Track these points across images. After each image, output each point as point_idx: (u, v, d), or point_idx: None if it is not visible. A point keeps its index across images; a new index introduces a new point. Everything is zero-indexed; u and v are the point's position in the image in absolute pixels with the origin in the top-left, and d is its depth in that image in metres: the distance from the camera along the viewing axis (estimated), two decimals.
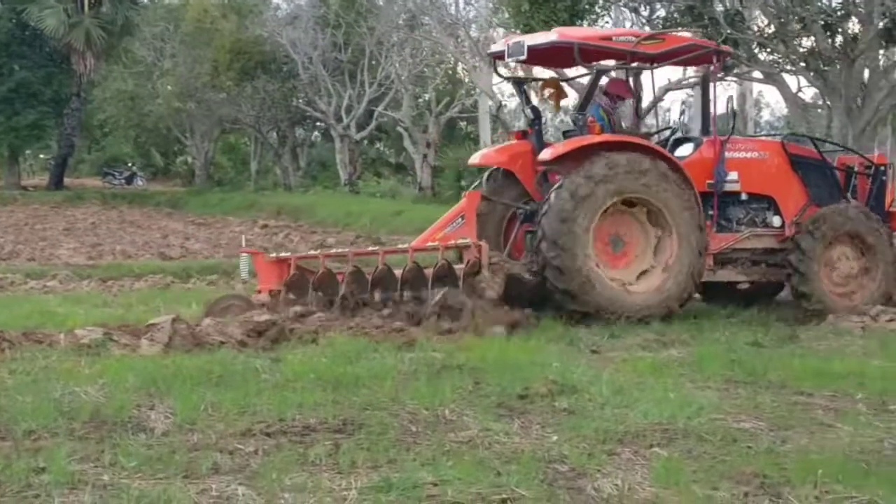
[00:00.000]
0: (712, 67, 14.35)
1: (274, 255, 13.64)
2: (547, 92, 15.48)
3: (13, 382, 8.84)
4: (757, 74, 26.13)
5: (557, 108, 16.66)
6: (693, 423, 7.69)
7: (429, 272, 12.60)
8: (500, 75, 16.87)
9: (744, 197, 14.29)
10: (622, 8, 28.49)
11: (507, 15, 28.65)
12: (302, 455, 6.80)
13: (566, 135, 14.64)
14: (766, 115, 58.86)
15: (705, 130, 14.33)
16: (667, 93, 33.39)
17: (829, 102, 22.94)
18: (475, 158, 14.92)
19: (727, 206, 14.26)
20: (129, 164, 69.66)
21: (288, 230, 32.43)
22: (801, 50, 22.79)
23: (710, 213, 13.93)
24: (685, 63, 15.41)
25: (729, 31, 21.61)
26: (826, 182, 14.68)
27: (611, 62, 14.62)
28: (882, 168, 15.02)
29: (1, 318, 12.75)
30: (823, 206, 14.29)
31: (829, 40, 22.00)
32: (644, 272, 13.45)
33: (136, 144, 68.83)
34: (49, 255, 24.05)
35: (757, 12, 23.70)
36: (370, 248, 13.97)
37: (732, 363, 10.23)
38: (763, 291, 15.02)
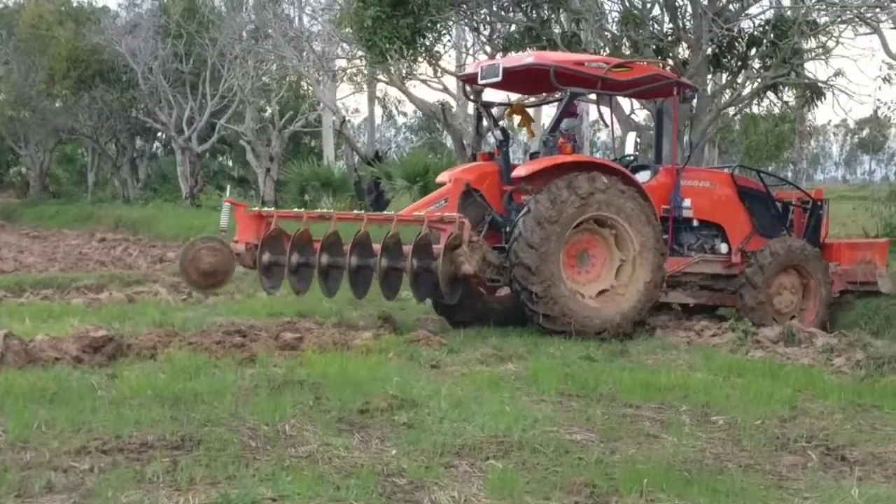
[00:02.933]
0: (675, 99, 15.33)
1: (256, 208, 13.93)
2: (516, 119, 16.39)
3: None
4: (592, 96, 26.81)
5: (531, 132, 17.81)
6: (528, 436, 8.03)
7: (407, 249, 13.26)
8: (468, 98, 17.68)
9: (695, 224, 15.41)
10: (463, 27, 29.16)
11: (349, 30, 28.92)
12: (139, 472, 6.81)
13: (533, 157, 15.40)
14: (602, 136, 59.96)
15: (658, 159, 15.35)
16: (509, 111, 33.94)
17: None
18: (443, 176, 15.21)
19: (680, 232, 15.36)
20: None
21: (126, 243, 32.02)
22: None
23: (665, 237, 14.80)
24: (648, 93, 15.97)
25: None
26: (769, 213, 15.88)
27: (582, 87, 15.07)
28: (819, 203, 16.24)
29: None
30: (766, 236, 15.55)
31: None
32: (603, 291, 14.19)
33: None
34: None
35: (593, 36, 24.57)
36: (354, 213, 14.54)
37: (566, 377, 10.69)
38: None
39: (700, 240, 15.46)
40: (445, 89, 33.08)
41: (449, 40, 31.74)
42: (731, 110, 25.51)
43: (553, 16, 24.77)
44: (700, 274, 15.36)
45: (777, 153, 51.69)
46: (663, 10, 23.75)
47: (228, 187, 15.44)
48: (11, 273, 22.16)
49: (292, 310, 15.14)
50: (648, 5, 23.81)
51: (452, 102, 33.63)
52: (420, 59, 27.63)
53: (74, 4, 54.32)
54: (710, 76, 24.73)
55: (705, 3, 22.56)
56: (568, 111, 14.99)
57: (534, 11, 24.38)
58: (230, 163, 64.84)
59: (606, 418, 8.91)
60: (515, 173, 14.43)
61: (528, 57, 15.10)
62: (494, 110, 17.09)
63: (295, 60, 38.18)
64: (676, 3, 23.42)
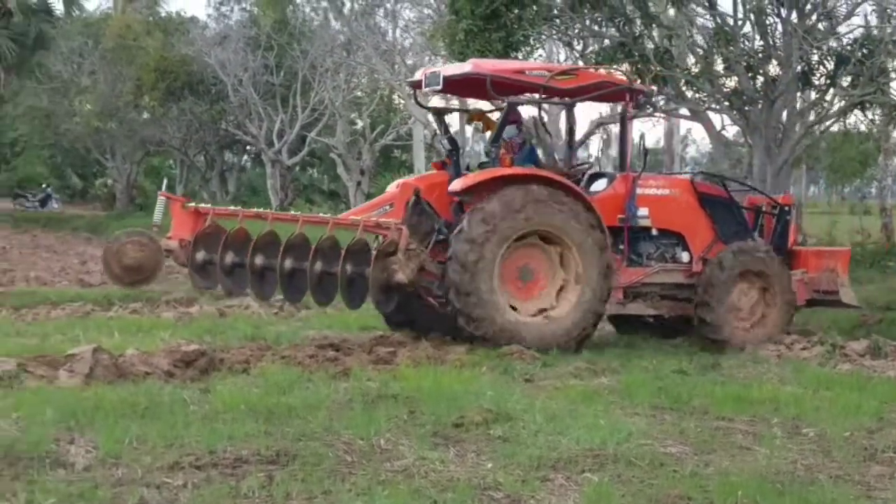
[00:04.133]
0: (627, 105, 14.97)
1: (193, 204, 13.56)
2: (475, 125, 16.21)
3: None
4: (684, 111, 27.90)
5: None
6: (622, 449, 8.13)
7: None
8: (420, 105, 17.63)
9: (654, 232, 15.10)
10: (556, 42, 29.43)
11: (442, 44, 29.19)
12: (233, 488, 6.86)
13: (482, 166, 15.08)
14: (691, 152, 59.77)
15: (622, 167, 15.13)
16: (598, 126, 34.09)
17: (750, 141, 24.78)
18: (392, 187, 15.07)
19: (638, 241, 15.04)
20: (44, 186, 68.94)
21: None
22: (726, 89, 24.44)
23: (621, 247, 14.67)
24: (598, 99, 15.89)
25: (658, 69, 23.10)
26: (733, 220, 15.55)
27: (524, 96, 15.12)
28: (787, 208, 16.02)
29: None
30: (730, 243, 15.16)
31: (751, 81, 23.63)
32: (543, 309, 13.95)
33: (51, 165, 68.30)
34: None
35: (685, 51, 25.36)
36: (290, 214, 14.26)
37: (659, 390, 10.86)
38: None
39: (660, 249, 15.17)
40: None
41: (541, 55, 31.90)
42: (819, 128, 25.69)
43: (645, 31, 25.01)
44: (661, 284, 15.04)
45: (861, 170, 51.05)
46: (754, 27, 24.12)
47: (165, 180, 15.10)
48: (99, 287, 22.42)
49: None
50: (740, 22, 24.14)
51: (545, 116, 33.61)
52: None
53: (163, 15, 55.12)
54: (799, 94, 25.02)
55: (795, 21, 23.00)
56: (510, 120, 14.68)
57: (626, 27, 24.66)
58: (320, 176, 65.30)
59: (700, 431, 9.08)
60: (451, 188, 14.21)
61: (466, 65, 14.86)
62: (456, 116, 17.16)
63: (387, 73, 38.41)
64: (767, 21, 23.78)
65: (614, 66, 23.51)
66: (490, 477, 7.31)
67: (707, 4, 24.31)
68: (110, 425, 8.35)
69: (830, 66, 23.51)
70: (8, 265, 28.53)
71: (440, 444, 8.28)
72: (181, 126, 50.09)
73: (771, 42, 23.82)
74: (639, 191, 14.74)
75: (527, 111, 16.20)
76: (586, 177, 15.21)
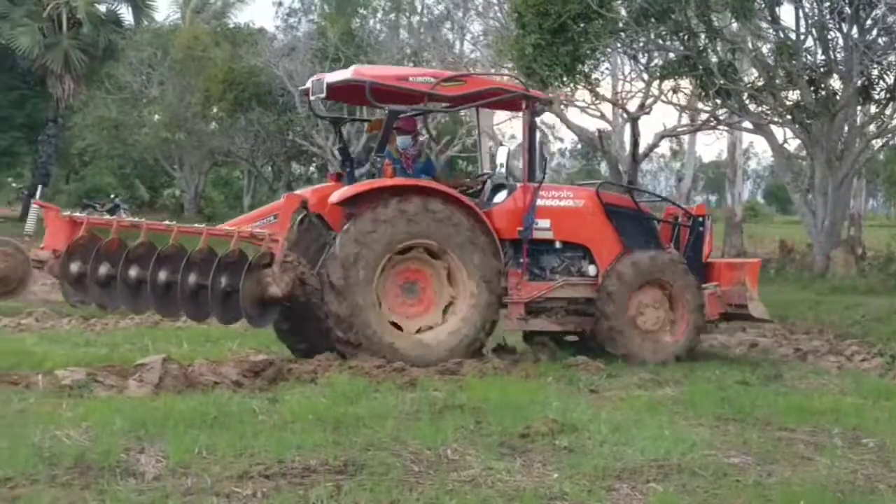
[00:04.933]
0: (525, 112, 14.38)
1: (68, 213, 12.77)
2: (373, 134, 15.32)
3: None
4: (747, 125, 28.19)
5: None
6: (687, 459, 8.19)
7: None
8: (315, 115, 17.10)
9: (557, 245, 14.56)
10: (621, 55, 29.62)
11: (510, 59, 29.36)
12: (302, 497, 6.92)
13: (372, 178, 14.24)
14: (753, 164, 59.54)
15: (531, 176, 14.34)
16: (662, 139, 34.04)
17: (811, 154, 25.04)
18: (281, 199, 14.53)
19: (540, 255, 14.50)
20: (112, 196, 69.45)
21: None
22: (788, 103, 24.79)
23: (522, 260, 14.14)
24: (491, 106, 15.63)
25: (722, 82, 23.51)
26: (641, 232, 15.00)
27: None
28: (700, 219, 15.43)
29: None
30: None
31: (813, 95, 23.91)
32: (429, 327, 13.57)
33: (120, 175, 68.89)
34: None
35: (748, 65, 25.85)
36: (164, 223, 13.49)
37: (722, 401, 10.91)
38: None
39: (564, 262, 14.58)
40: (602, 116, 33.20)
41: (607, 68, 31.99)
42: (878, 142, 26.24)
43: (709, 45, 25.11)
44: (566, 299, 14.44)
45: None
46: (816, 42, 24.43)
47: (39, 188, 14.30)
48: None
49: None
50: (802, 37, 24.39)
51: (610, 129, 33.70)
52: (579, 86, 28.01)
53: (231, 26, 55.52)
54: (859, 107, 25.28)
55: (856, 36, 23.24)
56: (402, 129, 14.28)
57: (690, 41, 24.78)
58: None
59: (762, 441, 9.14)
60: (331, 198, 13.72)
61: (348, 71, 14.33)
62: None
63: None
64: (829, 36, 24.13)
65: (677, 78, 23.77)
66: (556, 487, 7.37)
67: (770, 19, 24.60)
68: (180, 435, 8.44)
69: (890, 80, 23.90)
70: None
71: (506, 454, 8.33)
72: (248, 137, 50.38)
73: (832, 56, 24.15)
74: (539, 202, 14.20)
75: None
76: (489, 188, 14.71)
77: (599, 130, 32.68)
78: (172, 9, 59.79)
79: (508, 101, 14.89)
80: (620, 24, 25.37)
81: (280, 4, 53.90)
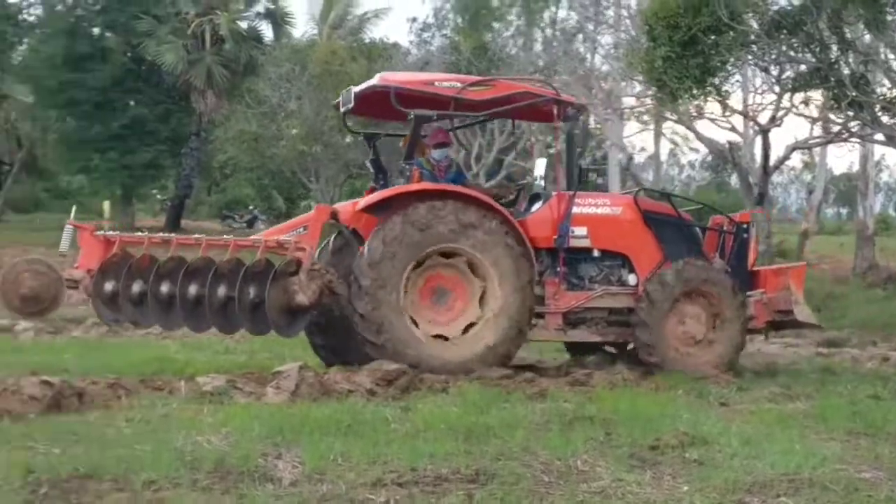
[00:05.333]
0: (555, 119, 14.09)
1: (101, 232, 12.79)
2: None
3: (131, 431, 9.14)
4: (879, 137, 27.34)
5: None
6: (818, 473, 8.00)
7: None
8: (348, 129, 17.03)
9: (596, 254, 14.21)
10: (752, 67, 29.35)
11: (639, 71, 29.27)
12: None
13: None
14: (884, 177, 58.30)
15: (569, 185, 14.09)
16: (794, 151, 33.59)
17: None
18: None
19: (578, 263, 14.17)
20: (251, 207, 70.60)
21: None
22: None
23: (559, 269, 13.85)
24: (520, 113, 15.28)
25: (854, 94, 22.87)
26: (683, 239, 14.59)
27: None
28: (745, 226, 14.96)
29: (117, 365, 13.15)
30: None
31: None
32: (471, 325, 13.34)
33: (258, 187, 69.79)
34: None
35: (881, 77, 25.15)
36: (194, 237, 13.30)
37: (854, 415, 10.65)
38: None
39: (603, 271, 14.21)
40: (733, 128, 32.87)
41: (738, 80, 31.71)
42: None
43: (841, 57, 24.76)
44: (606, 309, 14.09)
45: None
46: None
47: (74, 208, 14.34)
48: None
49: None
50: None
51: (741, 141, 33.39)
52: (709, 98, 27.81)
53: (366, 41, 55.96)
54: None
55: None
56: (440, 142, 14.12)
57: (822, 53, 24.47)
58: None
59: (894, 456, 8.88)
60: (358, 205, 13.75)
61: (374, 79, 14.07)
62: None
63: (583, 98, 38.45)
64: None
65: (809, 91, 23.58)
66: (686, 500, 7.32)
67: None
68: (315, 441, 8.55)
69: None
70: None
71: (636, 466, 8.28)
72: (383, 149, 50.76)
73: None
74: (575, 210, 13.91)
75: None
76: (528, 197, 14.55)
77: (730, 142, 32.43)
78: (310, 25, 60.54)
79: (539, 108, 14.43)
80: (751, 37, 25.12)
81: (414, 20, 54.41)
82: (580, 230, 13.97)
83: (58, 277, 12.20)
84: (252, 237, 13.46)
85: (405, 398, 11.10)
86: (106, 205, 12.83)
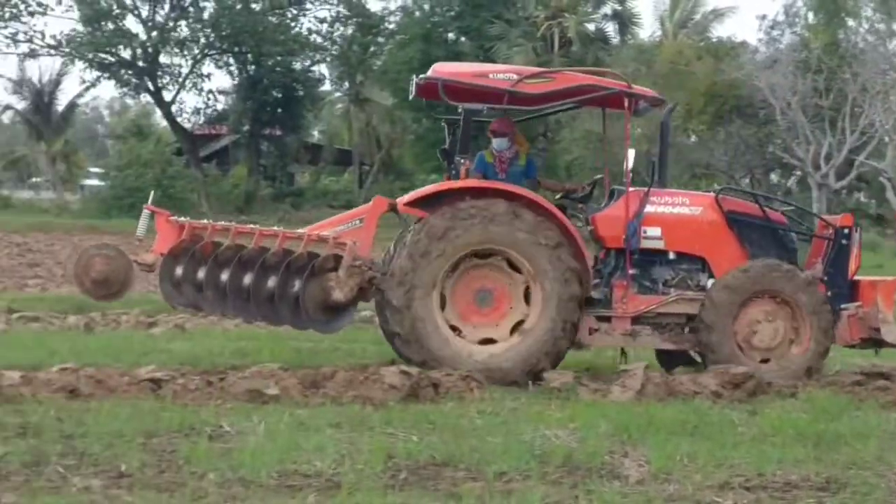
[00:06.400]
0: (627, 111, 12.95)
1: (176, 218, 12.60)
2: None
3: (482, 423, 9.38)
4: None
5: (524, 149, 14.21)
6: None
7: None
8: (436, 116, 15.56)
9: (671, 256, 13.01)
10: None
11: None
12: None
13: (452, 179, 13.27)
14: None
15: (661, 180, 13.23)
16: None
17: None
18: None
19: (651, 266, 13.00)
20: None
21: None
22: None
23: (631, 272, 12.75)
24: (586, 105, 14.42)
25: None
26: (772, 242, 13.17)
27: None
28: (845, 231, 13.23)
29: None
30: None
31: None
32: (493, 339, 12.35)
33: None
34: None
35: None
36: (249, 226, 12.80)
37: None
38: None
39: (679, 274, 12.94)
40: None
41: None
42: None
43: None
44: (681, 314, 12.78)
45: None
46: None
47: (152, 193, 13.70)
48: None
49: None
50: None
51: None
52: None
53: (713, 40, 55.31)
54: None
55: None
56: (496, 131, 13.18)
57: None
58: (867, 200, 63.21)
59: None
60: (399, 201, 12.91)
61: (431, 70, 13.17)
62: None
63: None
64: None
65: None
66: None
67: None
68: (661, 441, 8.55)
69: None
70: None
71: None
72: (728, 149, 50.01)
73: None
74: (649, 209, 12.82)
75: None
76: (610, 194, 13.52)
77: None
78: (655, 25, 60.38)
79: (608, 100, 13.44)
80: None
81: (764, 17, 53.30)
82: (653, 230, 12.91)
83: (127, 262, 12.22)
84: (299, 230, 13.04)
85: (752, 402, 10.87)
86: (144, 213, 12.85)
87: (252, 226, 12.75)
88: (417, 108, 54.09)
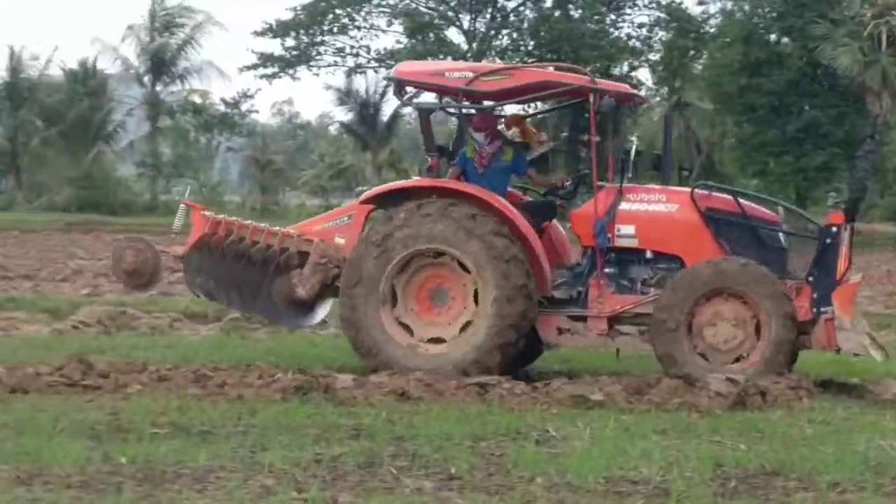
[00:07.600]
0: (592, 106, 12.33)
1: (210, 213, 12.97)
2: (511, 131, 13.44)
3: (813, 432, 9.18)
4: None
5: (537, 143, 13.85)
6: None
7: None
8: (446, 111, 14.51)
9: (648, 255, 12.36)
10: None
11: None
12: None
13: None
14: None
15: (664, 177, 13.00)
16: None
17: None
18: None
19: (628, 265, 12.44)
20: None
21: None
22: None
23: (606, 270, 12.23)
24: (553, 98, 13.83)
25: None
26: (751, 241, 12.34)
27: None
28: (833, 229, 12.17)
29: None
30: None
31: None
32: (443, 339, 11.99)
33: None
34: None
35: None
36: (263, 225, 13.05)
37: None
38: None
39: (658, 274, 12.24)
40: None
41: None
42: None
43: None
44: None
45: None
46: None
47: (188, 188, 13.32)
48: None
49: None
50: None
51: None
52: None
53: None
54: None
55: None
56: (476, 126, 12.95)
57: None
58: None
59: None
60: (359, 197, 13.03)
61: (393, 70, 13.28)
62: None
63: None
64: None
65: None
66: None
67: None
68: None
69: None
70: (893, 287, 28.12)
71: None
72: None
73: None
74: (624, 206, 12.27)
75: None
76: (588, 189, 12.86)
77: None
78: None
79: (571, 95, 13.02)
80: None
81: None
82: (627, 228, 12.35)
83: (154, 254, 12.73)
84: (289, 229, 13.06)
85: None
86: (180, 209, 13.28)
87: (264, 224, 13.12)
88: (739, 111, 53.41)
